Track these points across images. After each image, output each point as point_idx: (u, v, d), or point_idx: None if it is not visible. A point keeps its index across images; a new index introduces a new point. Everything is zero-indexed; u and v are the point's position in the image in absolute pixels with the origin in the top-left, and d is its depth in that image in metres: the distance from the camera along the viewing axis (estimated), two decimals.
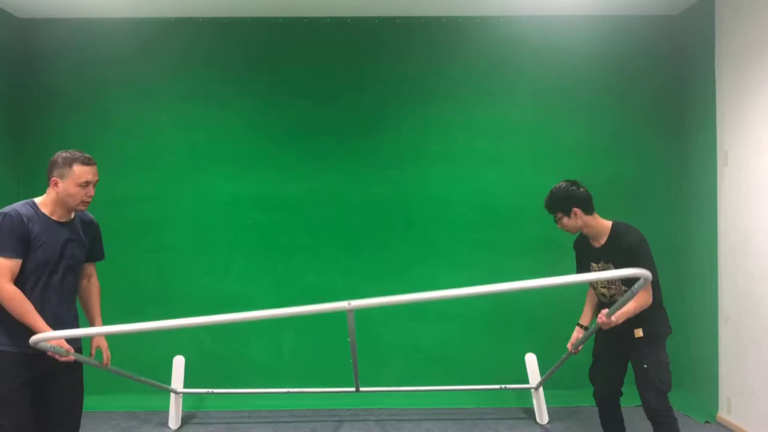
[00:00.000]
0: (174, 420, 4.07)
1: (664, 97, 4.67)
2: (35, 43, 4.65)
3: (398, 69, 4.67)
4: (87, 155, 2.59)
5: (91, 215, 2.80)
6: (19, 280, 2.44)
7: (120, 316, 4.52)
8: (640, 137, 4.66)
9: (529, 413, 4.28)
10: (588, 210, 3.10)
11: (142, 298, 4.54)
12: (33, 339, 2.28)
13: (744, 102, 3.95)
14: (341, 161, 4.65)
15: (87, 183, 2.56)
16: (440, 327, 4.61)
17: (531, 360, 4.24)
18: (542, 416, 4.14)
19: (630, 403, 4.55)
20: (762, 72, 3.77)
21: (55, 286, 2.55)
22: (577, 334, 3.32)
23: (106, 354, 2.91)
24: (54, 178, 2.53)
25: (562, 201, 3.08)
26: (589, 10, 4.54)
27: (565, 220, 3.11)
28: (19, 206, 2.52)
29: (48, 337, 2.32)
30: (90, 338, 2.84)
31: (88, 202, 2.61)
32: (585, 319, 3.35)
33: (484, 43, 4.66)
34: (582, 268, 3.31)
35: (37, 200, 2.58)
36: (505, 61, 4.66)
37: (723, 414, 4.14)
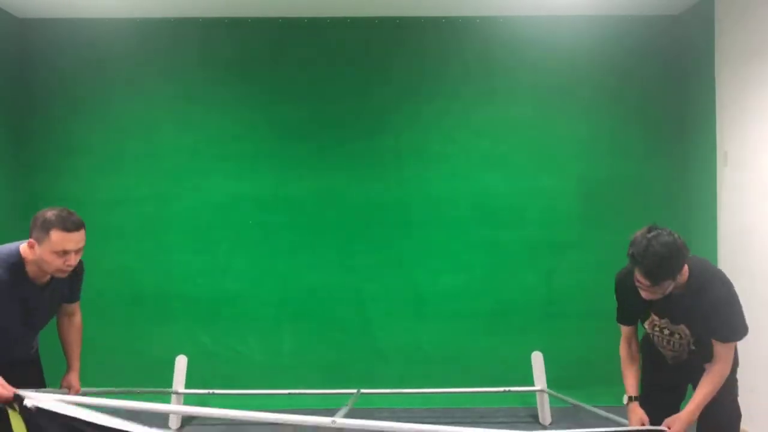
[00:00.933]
0: (174, 420, 4.07)
1: (664, 97, 4.67)
2: (35, 43, 4.65)
3: (398, 69, 4.67)
4: (73, 219, 2.28)
5: (79, 262, 2.48)
6: None
7: (120, 316, 4.55)
8: (640, 137, 4.66)
9: (533, 413, 4.28)
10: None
11: (142, 298, 4.54)
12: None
13: (744, 102, 3.95)
14: (341, 161, 4.65)
15: (65, 252, 2.25)
16: (441, 326, 4.60)
17: (537, 359, 4.20)
18: (545, 417, 4.14)
19: None
20: (762, 72, 3.77)
21: (21, 346, 2.43)
22: (636, 410, 2.54)
23: (74, 392, 2.68)
24: (31, 240, 2.26)
25: (676, 261, 2.21)
26: (589, 10, 4.54)
27: (670, 284, 2.25)
28: (4, 267, 2.24)
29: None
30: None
31: (67, 272, 2.31)
32: (634, 387, 2.59)
33: (484, 43, 4.66)
34: (633, 315, 2.60)
35: (24, 253, 2.32)
36: (505, 61, 4.66)
37: None
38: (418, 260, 4.62)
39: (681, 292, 2.34)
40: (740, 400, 3.99)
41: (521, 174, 4.62)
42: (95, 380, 4.49)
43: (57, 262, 2.25)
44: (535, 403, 4.24)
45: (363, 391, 3.91)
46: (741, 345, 4.04)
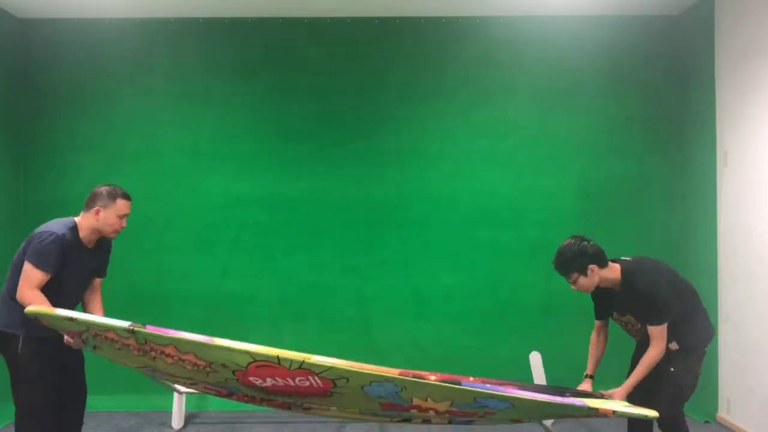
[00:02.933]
0: (177, 420, 4.07)
1: (664, 96, 4.67)
2: (35, 43, 4.65)
3: (398, 69, 4.67)
4: (126, 191, 2.92)
5: (108, 242, 3.04)
6: (55, 295, 2.69)
7: (120, 316, 4.54)
8: (640, 137, 4.66)
9: None
10: (603, 263, 2.86)
11: (142, 298, 4.55)
12: (28, 310, 2.40)
13: (744, 102, 3.95)
14: (341, 161, 4.65)
15: (124, 215, 2.91)
16: (441, 326, 4.61)
17: (536, 358, 4.18)
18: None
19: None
20: (762, 72, 3.77)
21: (70, 301, 2.88)
22: (585, 385, 3.07)
23: None
24: (97, 208, 2.83)
25: (577, 260, 2.83)
26: (589, 10, 4.54)
27: (582, 280, 2.84)
28: (65, 230, 2.77)
29: (43, 311, 2.39)
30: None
31: (119, 231, 2.94)
32: (591, 368, 3.13)
33: (484, 43, 4.66)
34: (601, 313, 3.08)
35: (78, 222, 2.85)
36: (505, 61, 4.66)
37: (723, 414, 4.14)
38: (418, 260, 4.62)
39: (619, 290, 2.88)
40: (740, 399, 4.00)
41: (521, 174, 4.62)
42: (95, 380, 4.49)
43: (117, 224, 2.89)
44: None
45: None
46: (740, 345, 4.06)
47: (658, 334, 2.78)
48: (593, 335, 3.13)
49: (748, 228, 3.90)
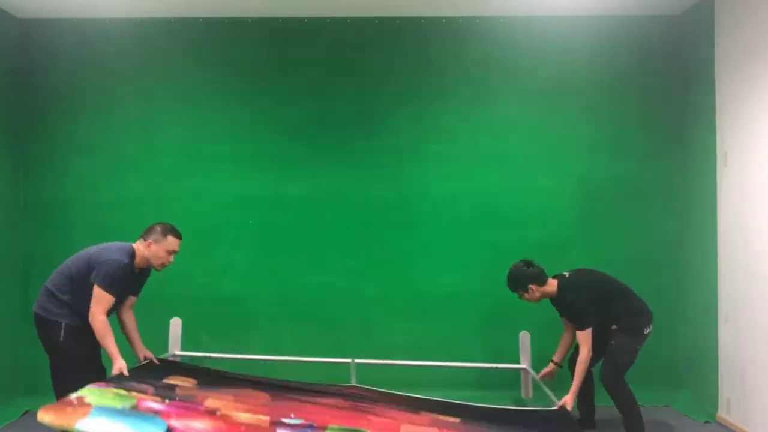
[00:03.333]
0: None
1: (664, 96, 4.67)
2: (35, 43, 4.65)
3: (398, 69, 4.67)
4: (178, 230, 3.37)
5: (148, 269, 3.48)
6: (87, 293, 3.13)
7: None
8: (640, 137, 4.66)
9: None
10: (542, 282, 3.68)
11: (142, 298, 4.53)
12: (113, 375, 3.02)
13: (744, 102, 3.95)
14: (341, 161, 4.65)
15: (173, 252, 3.33)
16: (440, 326, 4.61)
17: (524, 338, 4.20)
18: (527, 393, 4.20)
19: None
20: (762, 72, 3.77)
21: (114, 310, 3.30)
22: (550, 369, 3.93)
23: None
24: (149, 241, 3.29)
25: (519, 281, 3.67)
26: (589, 10, 4.54)
27: (526, 295, 3.69)
28: (128, 259, 3.22)
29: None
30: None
31: (165, 266, 3.36)
32: (558, 356, 3.95)
33: (483, 43, 4.67)
34: (561, 315, 3.91)
35: (135, 248, 3.31)
36: (505, 61, 4.66)
37: (723, 414, 4.14)
38: (418, 260, 4.62)
39: (558, 299, 3.72)
40: (740, 399, 4.00)
41: (521, 174, 4.62)
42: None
43: (165, 258, 3.32)
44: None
45: (357, 361, 3.95)
46: (740, 345, 4.06)
47: (583, 337, 3.53)
48: (565, 331, 3.91)
49: (748, 228, 3.90)
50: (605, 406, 4.40)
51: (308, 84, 4.66)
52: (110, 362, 3.12)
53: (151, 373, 3.21)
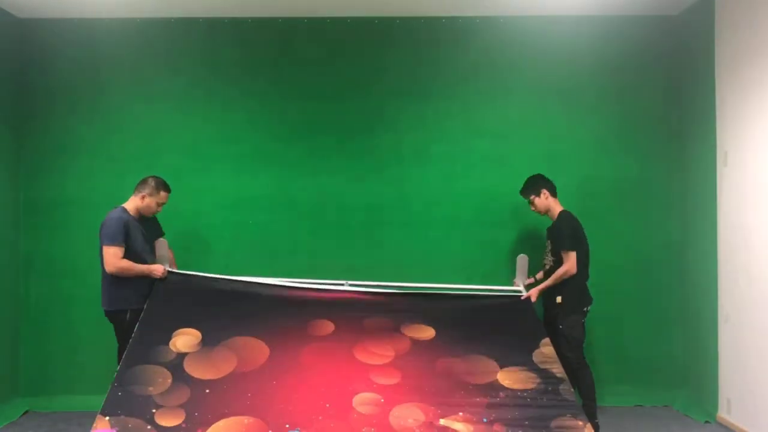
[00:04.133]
0: None
1: (664, 97, 4.67)
2: (35, 43, 4.65)
3: (398, 69, 4.67)
4: (168, 184, 3.90)
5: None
6: (130, 255, 3.68)
7: None
8: (640, 137, 4.67)
9: None
10: (554, 193, 4.03)
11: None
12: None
13: (744, 102, 3.95)
14: (341, 161, 4.65)
15: (162, 204, 3.89)
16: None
17: (522, 261, 4.24)
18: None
19: (630, 403, 4.57)
20: (762, 72, 3.77)
21: (148, 255, 3.83)
22: (529, 280, 4.22)
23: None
24: (143, 194, 3.79)
25: (537, 183, 4.01)
26: (589, 10, 4.54)
27: (537, 200, 3.99)
28: (116, 213, 3.72)
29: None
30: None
31: (156, 212, 3.91)
32: (540, 273, 4.21)
33: (484, 43, 4.67)
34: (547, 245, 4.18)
35: (126, 206, 3.79)
36: (505, 61, 4.66)
37: (723, 414, 4.14)
38: (418, 260, 4.62)
39: (557, 222, 3.99)
40: (740, 399, 4.01)
41: (521, 174, 4.60)
42: (95, 381, 4.50)
43: (155, 210, 3.88)
44: None
45: (350, 282, 4.05)
46: (740, 345, 4.06)
47: (569, 257, 3.85)
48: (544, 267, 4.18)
49: (748, 228, 3.90)
50: (606, 405, 4.41)
51: (308, 84, 4.66)
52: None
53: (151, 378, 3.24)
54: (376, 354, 3.41)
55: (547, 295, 3.99)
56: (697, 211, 4.45)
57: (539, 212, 4.05)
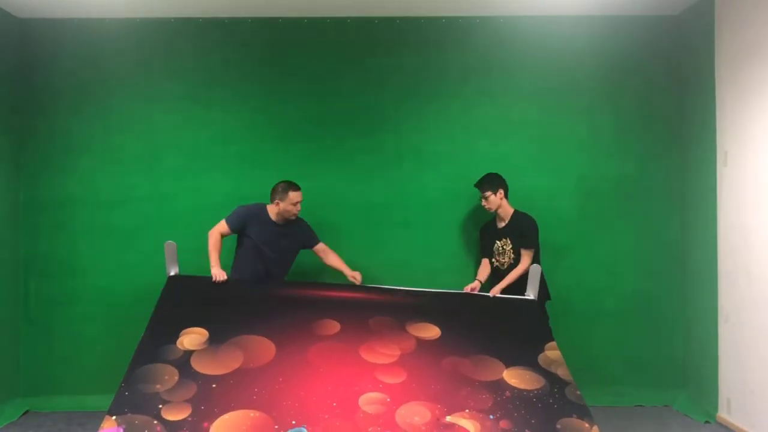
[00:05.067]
0: None
1: (664, 96, 4.67)
2: (35, 43, 4.65)
3: (398, 69, 4.67)
4: (295, 183, 4.02)
5: (300, 218, 4.15)
6: (246, 249, 4.03)
7: (121, 316, 4.55)
8: (640, 137, 4.67)
9: None
10: (507, 194, 4.18)
11: (143, 298, 4.53)
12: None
13: (744, 102, 3.95)
14: (341, 161, 4.65)
15: (298, 202, 4.00)
16: None
17: (535, 271, 4.04)
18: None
19: (630, 403, 4.57)
20: (762, 72, 3.77)
21: (266, 261, 4.02)
22: (474, 285, 4.11)
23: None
24: (276, 200, 3.98)
25: (495, 181, 4.13)
26: (589, 10, 4.54)
27: (492, 197, 4.11)
28: (251, 205, 4.07)
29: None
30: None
31: (296, 214, 4.04)
32: (483, 274, 4.23)
33: (483, 43, 4.67)
34: (486, 247, 4.29)
35: (268, 208, 4.04)
36: (505, 61, 4.66)
37: (723, 414, 4.14)
38: (418, 260, 4.62)
39: (507, 223, 4.16)
40: (740, 399, 4.02)
41: (521, 174, 4.62)
42: (96, 380, 4.50)
43: (294, 210, 4.00)
44: None
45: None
46: (740, 345, 4.06)
47: (527, 255, 4.02)
48: (484, 261, 4.29)
49: (748, 228, 3.90)
50: (606, 405, 4.41)
51: (308, 84, 4.66)
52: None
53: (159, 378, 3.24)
54: (382, 353, 3.41)
55: (509, 292, 3.98)
56: (697, 211, 4.45)
57: (489, 209, 4.14)
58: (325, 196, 4.63)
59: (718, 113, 4.21)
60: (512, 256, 4.10)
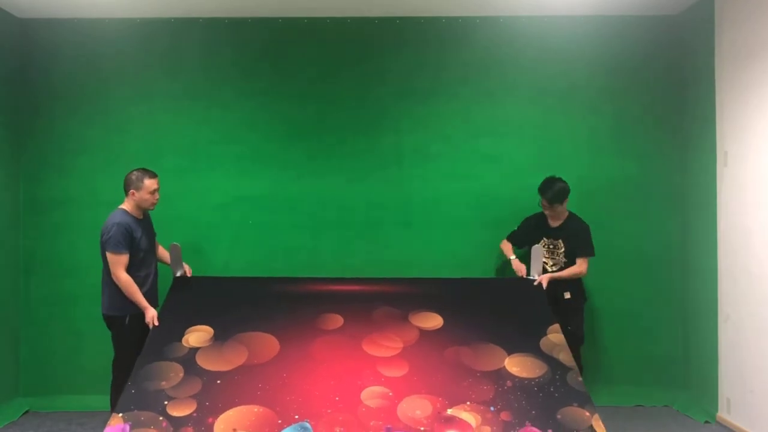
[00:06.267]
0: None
1: (664, 97, 4.67)
2: (35, 43, 4.65)
3: (398, 69, 4.67)
4: (150, 170, 3.74)
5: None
6: (137, 258, 3.66)
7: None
8: (640, 137, 4.67)
9: None
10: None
11: None
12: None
13: (744, 102, 3.95)
14: (341, 161, 4.65)
15: (155, 190, 3.74)
16: None
17: (536, 251, 4.04)
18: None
19: (630, 403, 4.57)
20: (762, 72, 3.77)
21: (150, 267, 3.81)
22: (518, 263, 4.18)
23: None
24: (132, 191, 3.68)
25: (566, 193, 4.08)
26: (589, 10, 4.54)
27: (559, 207, 4.08)
28: (119, 217, 3.63)
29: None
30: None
31: (155, 204, 3.78)
32: (510, 252, 4.28)
33: (483, 43, 4.67)
34: (526, 237, 4.28)
35: (125, 207, 3.71)
36: (505, 61, 4.67)
37: (723, 414, 4.14)
38: (419, 260, 4.62)
39: (561, 224, 4.16)
40: (740, 400, 4.02)
41: (521, 174, 4.62)
42: (96, 380, 4.50)
43: (151, 198, 3.74)
44: None
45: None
46: (740, 345, 4.06)
47: (585, 263, 4.04)
48: (505, 242, 4.36)
49: (748, 228, 3.90)
50: (606, 405, 4.41)
51: (308, 84, 4.66)
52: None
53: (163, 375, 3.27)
54: (385, 346, 3.42)
55: (551, 290, 3.93)
56: (697, 211, 4.45)
57: (552, 217, 4.14)
58: (325, 195, 4.64)
59: (718, 113, 4.21)
60: (564, 259, 4.11)
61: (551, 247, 4.16)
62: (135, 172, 3.69)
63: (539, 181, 4.63)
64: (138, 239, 3.66)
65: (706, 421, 4.16)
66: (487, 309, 3.72)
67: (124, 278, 3.56)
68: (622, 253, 4.64)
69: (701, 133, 4.39)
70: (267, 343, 3.41)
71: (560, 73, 4.65)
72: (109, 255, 3.57)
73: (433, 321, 3.60)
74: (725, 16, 4.13)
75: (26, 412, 4.45)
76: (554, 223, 4.16)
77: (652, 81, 4.66)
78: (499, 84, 4.66)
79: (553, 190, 4.03)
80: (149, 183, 3.69)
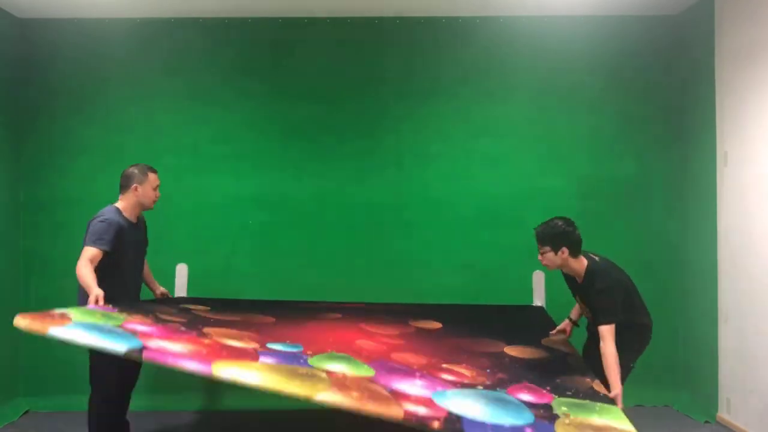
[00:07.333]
0: None
1: (664, 97, 4.67)
2: (35, 43, 4.65)
3: (398, 69, 4.67)
4: (150, 165, 3.52)
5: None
6: (118, 268, 3.24)
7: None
8: (640, 137, 4.66)
9: None
10: (575, 253, 3.16)
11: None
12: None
13: (744, 102, 3.95)
14: (341, 161, 4.65)
15: (157, 186, 3.50)
16: None
17: (538, 277, 4.03)
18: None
19: (629, 403, 4.56)
20: (762, 72, 3.77)
21: (137, 275, 3.49)
22: (564, 326, 3.56)
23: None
24: (134, 185, 3.39)
25: (557, 237, 3.14)
26: (589, 10, 4.54)
27: (550, 255, 3.17)
28: (108, 214, 3.26)
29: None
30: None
31: (155, 201, 3.50)
32: (575, 314, 3.59)
33: (483, 43, 4.67)
34: (572, 293, 3.46)
35: (119, 206, 3.37)
36: (505, 61, 4.66)
37: (723, 414, 4.14)
38: (418, 260, 4.62)
39: (581, 282, 3.22)
40: (740, 400, 4.01)
41: (521, 174, 4.62)
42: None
43: (154, 195, 3.46)
44: None
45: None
46: (740, 345, 4.06)
47: (608, 333, 2.99)
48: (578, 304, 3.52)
49: (748, 228, 3.89)
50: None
51: (308, 84, 4.66)
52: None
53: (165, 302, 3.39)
54: (382, 332, 3.38)
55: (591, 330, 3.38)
56: (697, 211, 4.45)
57: (547, 267, 3.26)
58: (325, 195, 4.64)
59: (718, 113, 4.21)
60: (588, 312, 3.35)
61: (583, 305, 3.40)
62: (136, 167, 3.45)
63: (539, 181, 4.66)
64: (124, 246, 3.25)
65: (706, 421, 4.16)
66: (487, 319, 3.75)
67: (83, 271, 3.00)
68: (622, 253, 4.60)
69: (701, 133, 4.39)
70: (262, 319, 3.35)
71: (560, 73, 4.65)
72: (85, 247, 3.11)
73: (431, 325, 3.58)
74: (725, 16, 4.13)
75: (26, 412, 4.45)
76: (579, 280, 3.25)
77: (652, 81, 4.66)
78: (499, 84, 4.66)
79: (544, 224, 3.25)
80: (153, 177, 3.46)
